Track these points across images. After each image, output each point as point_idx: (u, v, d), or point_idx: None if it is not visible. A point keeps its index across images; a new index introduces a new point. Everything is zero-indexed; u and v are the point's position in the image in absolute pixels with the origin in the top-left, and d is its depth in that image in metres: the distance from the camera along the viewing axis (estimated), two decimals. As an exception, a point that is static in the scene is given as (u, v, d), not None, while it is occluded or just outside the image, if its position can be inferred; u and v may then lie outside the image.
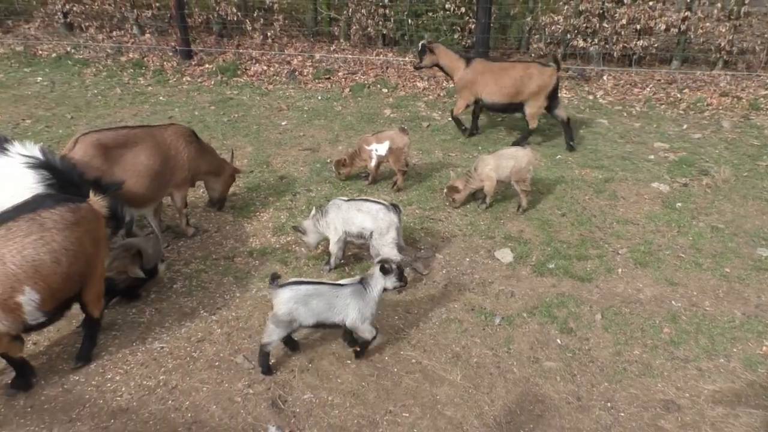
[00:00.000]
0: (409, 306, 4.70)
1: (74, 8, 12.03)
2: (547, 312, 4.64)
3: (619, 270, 5.21)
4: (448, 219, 6.01)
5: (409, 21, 10.82)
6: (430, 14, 10.68)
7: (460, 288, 4.93)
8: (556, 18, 10.48)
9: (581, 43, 10.51)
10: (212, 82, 10.40)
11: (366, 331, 3.96)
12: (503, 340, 4.36)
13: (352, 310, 3.87)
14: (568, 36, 10.60)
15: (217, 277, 5.02)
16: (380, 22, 11.01)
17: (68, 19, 12.43)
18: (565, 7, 10.39)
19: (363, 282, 3.96)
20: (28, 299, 3.41)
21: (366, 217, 4.86)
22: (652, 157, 7.50)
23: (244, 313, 4.57)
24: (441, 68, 7.91)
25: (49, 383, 3.84)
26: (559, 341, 4.35)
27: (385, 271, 3.94)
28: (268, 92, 9.98)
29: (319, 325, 3.92)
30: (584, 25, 10.39)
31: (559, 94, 7.78)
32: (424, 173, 6.97)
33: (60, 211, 3.61)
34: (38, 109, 8.80)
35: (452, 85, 8.86)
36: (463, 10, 10.49)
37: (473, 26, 10.53)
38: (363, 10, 10.95)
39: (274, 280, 3.82)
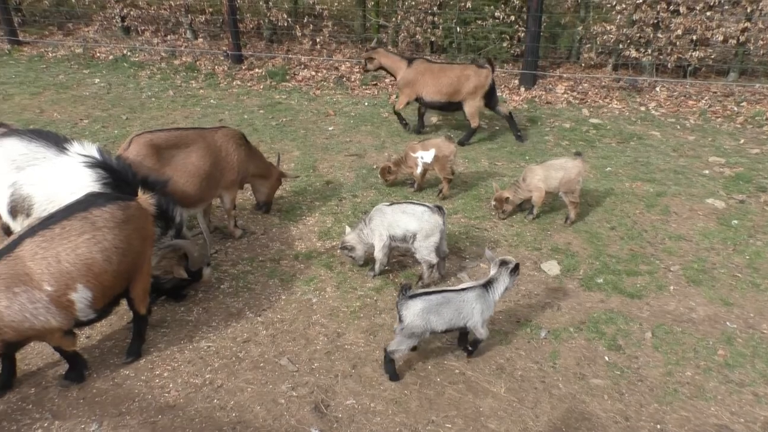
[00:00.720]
0: (453, 315, 4.67)
1: (131, 12, 12.41)
2: (595, 328, 4.54)
3: (671, 287, 5.05)
4: (494, 229, 5.95)
5: (458, 29, 10.78)
6: (479, 22, 10.63)
7: (505, 299, 4.86)
8: (608, 28, 10.30)
9: (634, 54, 10.29)
10: (261, 87, 10.57)
11: (483, 333, 4.06)
12: (549, 354, 4.28)
13: (476, 312, 3.98)
14: (621, 46, 10.40)
15: (263, 279, 5.08)
16: (428, 30, 11.00)
17: (125, 23, 12.84)
18: (618, 16, 10.20)
19: (488, 285, 4.08)
20: (81, 297, 3.51)
21: (411, 219, 4.85)
22: (706, 171, 7.27)
23: (289, 315, 4.61)
24: (385, 69, 8.35)
25: (101, 376, 3.95)
26: (606, 358, 4.24)
27: (514, 271, 4.11)
28: (316, 97, 10.09)
29: (446, 331, 4.05)
30: (637, 35, 10.17)
31: (498, 93, 8.33)
32: (470, 182, 6.92)
33: (110, 209, 3.71)
34: (95, 110, 9.10)
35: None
36: (512, 18, 10.41)
37: (522, 35, 10.43)
38: (412, 18, 10.98)
39: (405, 291, 3.87)
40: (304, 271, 5.20)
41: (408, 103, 8.15)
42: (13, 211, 4.45)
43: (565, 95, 10.01)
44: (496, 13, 10.42)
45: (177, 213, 4.68)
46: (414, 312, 3.85)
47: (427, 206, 4.89)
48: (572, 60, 11.46)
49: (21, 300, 3.29)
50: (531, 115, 9.19)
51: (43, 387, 3.85)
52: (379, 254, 5.01)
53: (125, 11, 12.41)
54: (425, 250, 4.85)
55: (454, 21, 10.75)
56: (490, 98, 7.89)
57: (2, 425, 3.58)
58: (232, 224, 5.69)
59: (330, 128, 8.62)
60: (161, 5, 12.32)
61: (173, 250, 4.59)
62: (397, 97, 8.57)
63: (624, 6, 10.10)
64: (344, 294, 4.89)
